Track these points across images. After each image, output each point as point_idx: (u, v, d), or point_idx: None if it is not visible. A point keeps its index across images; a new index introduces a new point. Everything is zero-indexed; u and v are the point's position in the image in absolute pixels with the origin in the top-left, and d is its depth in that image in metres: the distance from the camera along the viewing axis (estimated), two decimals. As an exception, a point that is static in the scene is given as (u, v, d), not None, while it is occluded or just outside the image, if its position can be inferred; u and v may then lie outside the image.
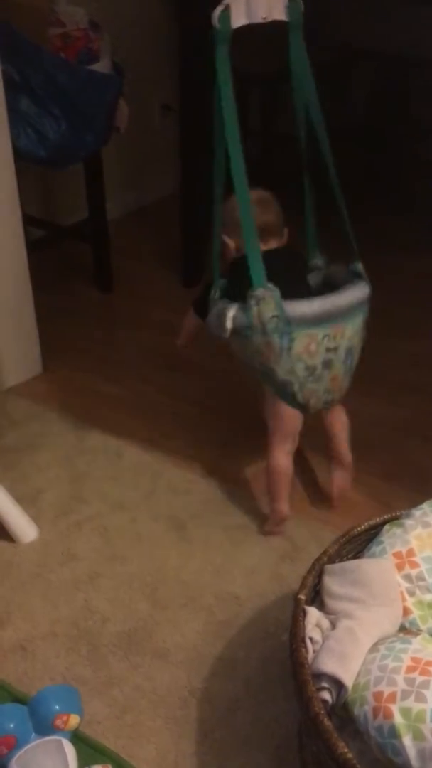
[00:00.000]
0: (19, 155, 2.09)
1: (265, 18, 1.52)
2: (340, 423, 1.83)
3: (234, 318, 1.61)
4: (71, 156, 2.37)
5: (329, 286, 1.71)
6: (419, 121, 3.35)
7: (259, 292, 1.56)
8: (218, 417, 2.16)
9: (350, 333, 1.65)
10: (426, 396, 2.23)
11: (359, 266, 1.72)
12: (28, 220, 2.25)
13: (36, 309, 2.26)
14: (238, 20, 1.49)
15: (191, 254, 2.78)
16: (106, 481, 1.93)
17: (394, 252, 2.95)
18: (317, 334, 1.60)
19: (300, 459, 2.00)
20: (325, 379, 1.66)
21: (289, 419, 1.72)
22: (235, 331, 1.62)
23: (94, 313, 2.70)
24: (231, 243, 1.72)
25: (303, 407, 1.69)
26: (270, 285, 1.57)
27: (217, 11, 1.47)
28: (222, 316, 1.62)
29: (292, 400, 1.67)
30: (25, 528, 1.75)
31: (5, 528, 1.74)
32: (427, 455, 2.01)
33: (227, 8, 1.47)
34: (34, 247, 2.29)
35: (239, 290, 1.61)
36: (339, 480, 1.84)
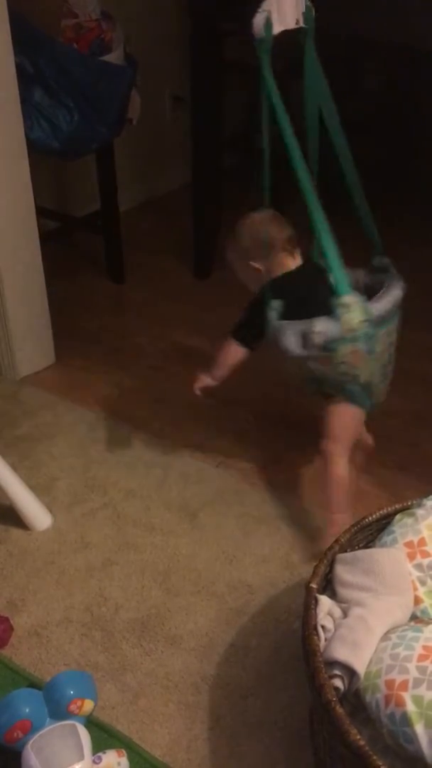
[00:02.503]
0: (32, 146, 2.10)
1: (298, 23, 1.54)
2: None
3: (322, 333, 1.56)
4: (84, 147, 2.38)
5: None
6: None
7: (347, 299, 1.55)
8: (231, 407, 2.17)
9: (394, 328, 1.67)
10: (436, 387, 2.24)
11: (386, 261, 1.74)
12: (41, 212, 2.26)
13: (49, 299, 2.27)
14: (276, 28, 1.50)
15: (203, 245, 2.79)
16: (119, 469, 1.94)
17: (409, 242, 2.94)
18: (385, 332, 1.63)
19: (308, 449, 2.01)
20: (388, 373, 1.72)
21: (357, 425, 1.76)
22: (323, 346, 1.58)
23: (106, 303, 2.71)
24: (260, 267, 1.69)
25: (374, 405, 1.73)
26: (354, 293, 1.58)
27: (261, 20, 1.46)
28: (308, 334, 1.57)
29: (368, 400, 1.69)
30: (39, 516, 1.77)
31: (20, 516, 1.76)
32: (436, 445, 2.02)
33: (269, 16, 1.47)
34: (46, 238, 2.30)
35: (298, 307, 1.61)
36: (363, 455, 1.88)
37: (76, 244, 2.94)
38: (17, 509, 1.76)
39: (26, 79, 2.11)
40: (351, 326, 1.55)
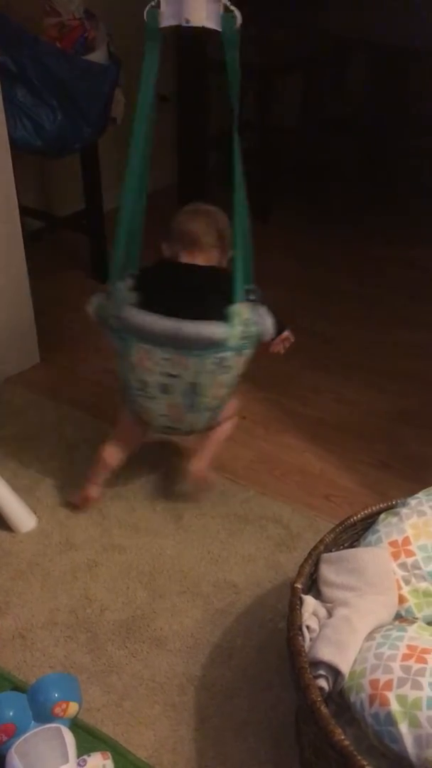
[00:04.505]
0: (15, 145, 2.09)
1: (188, 21, 1.45)
2: (206, 440, 1.80)
3: (93, 303, 1.64)
4: (67, 146, 2.37)
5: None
6: (417, 114, 3.35)
7: (110, 287, 1.59)
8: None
9: (194, 369, 1.56)
10: (422, 386, 2.24)
11: (237, 310, 1.57)
12: (25, 211, 2.25)
13: (33, 299, 2.26)
14: (168, 20, 1.47)
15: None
16: (103, 471, 1.93)
17: (392, 243, 2.96)
18: (155, 352, 1.55)
19: (294, 449, 2.01)
20: (161, 401, 1.63)
21: (127, 422, 1.77)
22: (98, 318, 1.64)
23: (91, 303, 2.70)
24: (164, 248, 1.71)
25: (138, 416, 1.72)
26: (121, 284, 1.58)
27: (147, 7, 1.45)
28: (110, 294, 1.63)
29: (129, 405, 1.71)
30: (23, 517, 1.76)
31: (4, 518, 1.75)
32: (423, 445, 2.02)
33: (157, 5, 1.45)
34: (30, 237, 2.29)
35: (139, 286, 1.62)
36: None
37: (61, 244, 2.93)
38: (1, 511, 1.75)
39: (9, 78, 2.10)
40: (101, 312, 1.61)
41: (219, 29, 1.42)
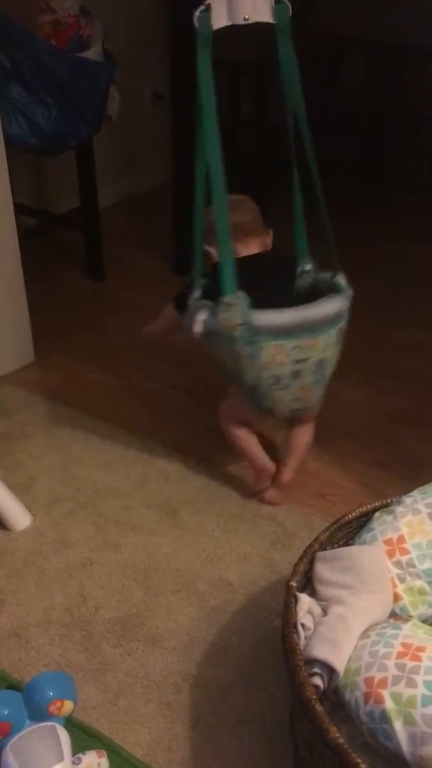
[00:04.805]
0: (10, 143, 2.08)
1: (247, 19, 1.46)
2: (302, 440, 1.83)
3: (203, 322, 1.60)
4: (62, 144, 2.37)
5: (316, 293, 1.67)
6: (416, 111, 3.35)
7: (228, 299, 1.54)
8: (210, 405, 2.15)
9: (322, 346, 1.61)
10: (418, 384, 2.24)
11: (340, 279, 1.67)
12: (20, 209, 2.25)
13: (28, 297, 2.26)
14: (220, 21, 1.45)
15: (182, 242, 2.77)
16: (99, 468, 1.93)
17: (390, 242, 2.96)
18: (286, 344, 1.57)
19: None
20: (292, 387, 1.64)
21: (245, 418, 1.78)
22: (206, 334, 1.61)
23: (86, 301, 2.70)
24: (212, 251, 1.68)
25: (268, 412, 1.70)
26: (240, 293, 1.54)
27: (197, 12, 1.42)
28: (193, 318, 1.62)
29: (258, 405, 1.68)
30: (18, 516, 1.76)
31: (-2, 516, 1.75)
32: (418, 443, 2.02)
33: (207, 8, 1.42)
34: (25, 235, 2.29)
35: (217, 294, 1.58)
36: (271, 493, 1.84)
37: (56, 242, 2.93)
38: (-4, 509, 1.75)
39: (3, 75, 2.10)
40: (227, 325, 1.55)
41: (273, 21, 1.48)
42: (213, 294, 1.61)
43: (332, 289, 1.65)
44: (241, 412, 1.77)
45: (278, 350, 1.57)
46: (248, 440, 1.81)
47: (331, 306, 1.62)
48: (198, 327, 1.61)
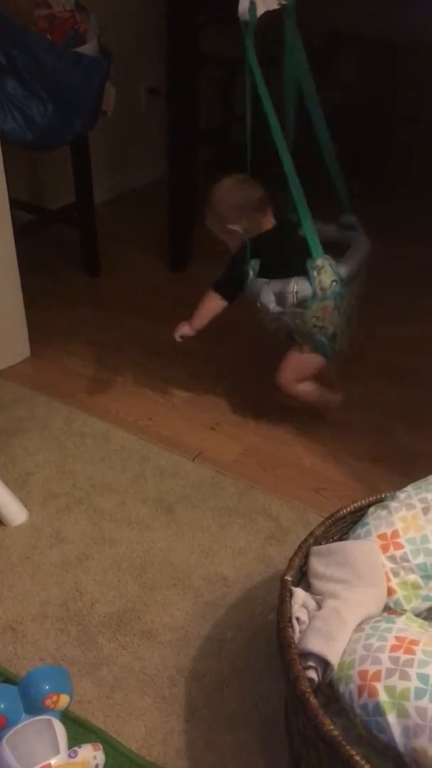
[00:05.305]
0: (5, 138, 2.08)
1: (279, 4, 1.61)
2: (332, 365, 2.02)
3: (298, 292, 1.73)
4: (58, 139, 2.36)
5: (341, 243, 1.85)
6: (408, 107, 3.35)
7: (319, 261, 1.71)
8: (205, 400, 2.17)
9: (356, 286, 1.83)
10: (412, 380, 2.25)
11: (353, 219, 1.89)
12: (15, 204, 2.24)
13: (23, 293, 2.26)
14: (260, 9, 1.56)
15: (178, 238, 2.79)
16: (94, 464, 1.94)
17: (382, 238, 2.96)
18: (347, 290, 1.78)
19: (284, 442, 2.02)
20: (352, 322, 1.87)
21: (314, 370, 1.94)
22: (297, 303, 1.74)
23: (82, 296, 2.70)
24: (238, 228, 1.81)
25: (338, 352, 1.90)
26: (327, 255, 1.71)
27: (246, 4, 1.52)
28: (284, 293, 1.74)
29: (333, 349, 1.86)
30: (14, 511, 1.76)
31: (-6, 511, 1.75)
32: (412, 438, 2.03)
33: (252, 2, 1.52)
34: (21, 231, 2.29)
35: (273, 266, 1.76)
36: (335, 400, 2.05)
37: (51, 237, 2.93)
38: (-8, 504, 1.75)
39: (-1, 71, 2.09)
40: (323, 286, 1.72)
41: (285, 3, 1.65)
42: (271, 268, 1.77)
43: (351, 228, 1.89)
44: (303, 370, 1.92)
45: (350, 294, 1.80)
46: (314, 390, 1.98)
47: (364, 249, 1.85)
48: (292, 298, 1.74)
